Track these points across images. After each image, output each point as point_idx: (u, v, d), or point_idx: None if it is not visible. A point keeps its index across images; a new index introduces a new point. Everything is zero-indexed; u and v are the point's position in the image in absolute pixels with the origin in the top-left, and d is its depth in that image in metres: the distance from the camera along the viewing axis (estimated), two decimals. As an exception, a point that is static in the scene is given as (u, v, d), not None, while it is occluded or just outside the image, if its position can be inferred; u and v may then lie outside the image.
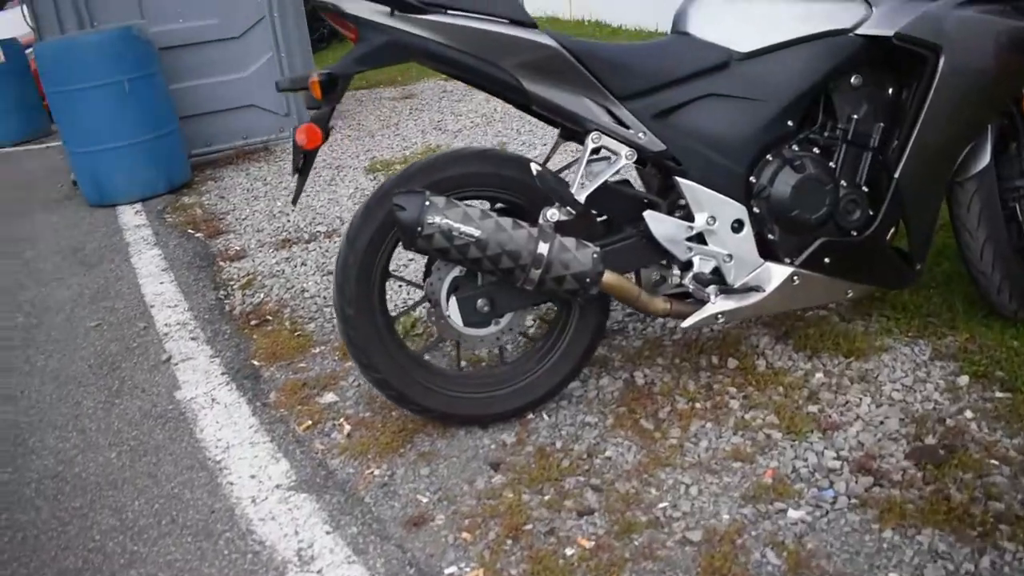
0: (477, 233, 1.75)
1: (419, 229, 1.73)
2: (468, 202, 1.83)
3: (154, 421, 2.28)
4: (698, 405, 2.05)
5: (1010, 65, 1.96)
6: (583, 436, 1.99)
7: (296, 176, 1.88)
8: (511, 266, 1.77)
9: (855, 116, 1.97)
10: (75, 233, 4.04)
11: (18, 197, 4.95)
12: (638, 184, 2.23)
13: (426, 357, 2.13)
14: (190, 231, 3.85)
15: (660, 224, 1.91)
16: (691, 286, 1.94)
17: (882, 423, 1.92)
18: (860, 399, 2.01)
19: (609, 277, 1.85)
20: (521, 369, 2.05)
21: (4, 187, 5.33)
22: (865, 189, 2.00)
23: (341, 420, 2.16)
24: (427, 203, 1.74)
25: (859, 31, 1.90)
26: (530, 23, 1.79)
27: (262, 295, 3.02)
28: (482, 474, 1.90)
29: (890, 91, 1.98)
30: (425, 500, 1.85)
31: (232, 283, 3.18)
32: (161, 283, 3.24)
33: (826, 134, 1.99)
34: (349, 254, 1.88)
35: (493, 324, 1.97)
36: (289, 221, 3.80)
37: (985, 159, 2.09)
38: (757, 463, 1.83)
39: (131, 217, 4.14)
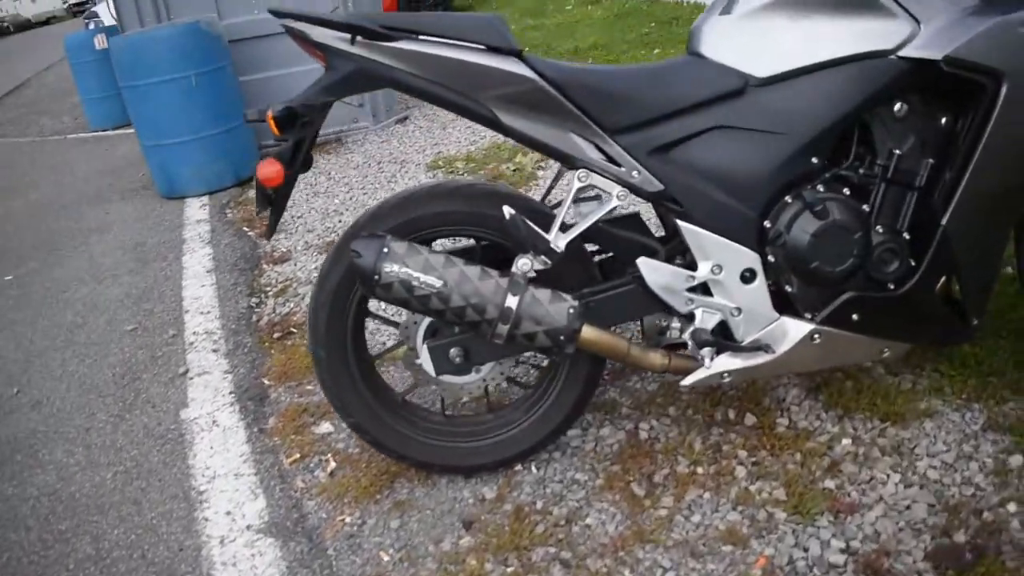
0: (439, 284, 1.61)
1: (376, 278, 1.61)
2: (444, 242, 1.69)
3: (154, 441, 2.28)
4: (700, 470, 1.84)
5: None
6: (567, 497, 1.82)
7: (269, 211, 1.78)
8: (477, 319, 1.62)
9: (897, 151, 1.68)
10: (141, 227, 4.16)
11: (103, 184, 5.18)
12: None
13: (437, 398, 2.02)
14: (245, 229, 3.88)
15: (655, 272, 1.70)
16: (689, 342, 1.73)
17: (908, 508, 1.66)
18: (888, 476, 1.75)
19: (589, 332, 1.67)
20: (507, 419, 1.90)
21: (94, 173, 5.59)
22: (906, 236, 1.72)
23: (328, 456, 2.08)
24: (385, 249, 1.61)
25: (902, 53, 1.61)
26: (510, 50, 1.61)
27: (292, 304, 2.99)
28: (452, 533, 1.78)
29: (943, 121, 1.68)
30: (387, 559, 1.74)
31: (268, 289, 3.17)
32: (202, 286, 3.27)
33: (861, 171, 1.72)
34: (320, 294, 1.78)
35: (474, 372, 1.84)
36: (341, 221, 3.76)
37: (1064, 201, 1.76)
38: (750, 548, 1.62)
39: (196, 211, 4.23)
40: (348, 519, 1.87)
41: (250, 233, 3.80)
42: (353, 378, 1.84)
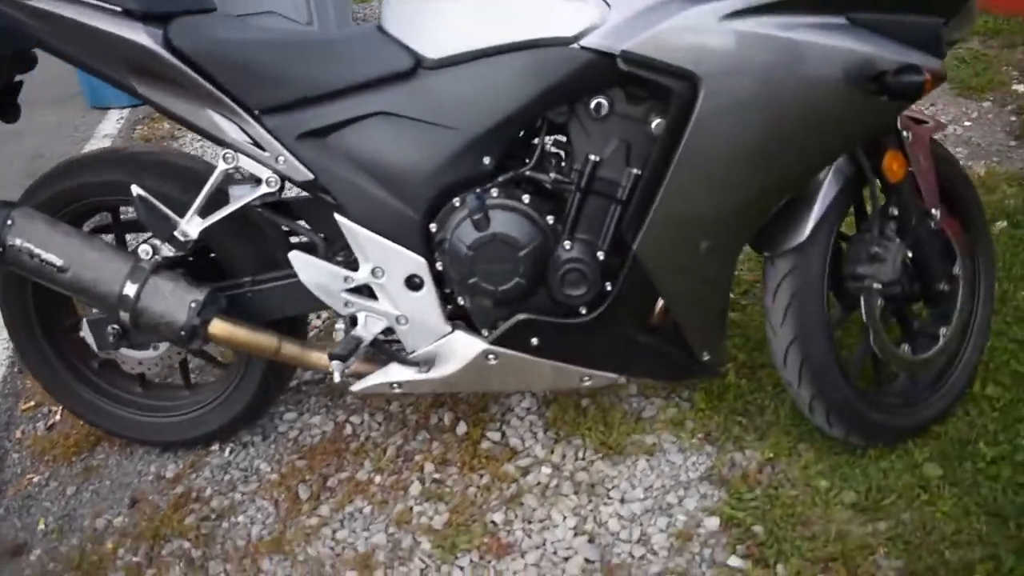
0: (59, 262, 1.49)
1: (1, 250, 1.51)
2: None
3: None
4: (378, 480, 1.71)
5: (821, 110, 1.34)
6: (238, 488, 1.73)
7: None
8: (102, 303, 1.51)
9: (595, 157, 1.43)
10: (51, 137, 3.98)
11: (44, 91, 5.11)
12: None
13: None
14: (153, 146, 3.82)
15: (309, 269, 1.53)
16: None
17: (565, 561, 1.51)
18: (564, 518, 1.58)
19: (223, 328, 1.53)
20: (199, 398, 1.80)
21: (44, 80, 5.57)
22: (601, 256, 1.48)
23: (58, 408, 2.05)
24: (9, 221, 1.51)
25: (584, 42, 1.35)
26: (144, 15, 1.42)
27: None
28: (114, 509, 1.72)
29: (652, 126, 1.42)
30: (42, 527, 1.70)
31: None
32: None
33: (553, 176, 1.48)
34: (-4, 258, 1.71)
35: (152, 348, 1.74)
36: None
37: (803, 234, 1.49)
38: (371, 579, 1.51)
39: (110, 125, 4.10)
40: (36, 478, 1.83)
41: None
42: (36, 340, 1.77)
